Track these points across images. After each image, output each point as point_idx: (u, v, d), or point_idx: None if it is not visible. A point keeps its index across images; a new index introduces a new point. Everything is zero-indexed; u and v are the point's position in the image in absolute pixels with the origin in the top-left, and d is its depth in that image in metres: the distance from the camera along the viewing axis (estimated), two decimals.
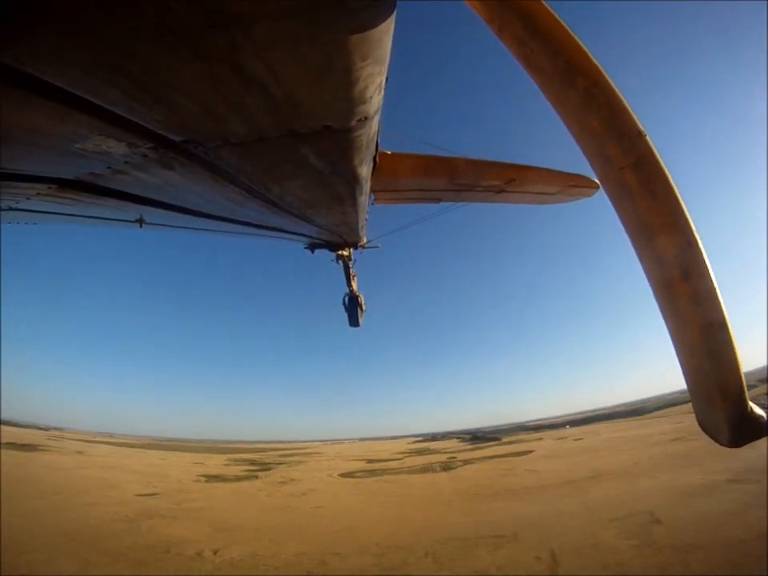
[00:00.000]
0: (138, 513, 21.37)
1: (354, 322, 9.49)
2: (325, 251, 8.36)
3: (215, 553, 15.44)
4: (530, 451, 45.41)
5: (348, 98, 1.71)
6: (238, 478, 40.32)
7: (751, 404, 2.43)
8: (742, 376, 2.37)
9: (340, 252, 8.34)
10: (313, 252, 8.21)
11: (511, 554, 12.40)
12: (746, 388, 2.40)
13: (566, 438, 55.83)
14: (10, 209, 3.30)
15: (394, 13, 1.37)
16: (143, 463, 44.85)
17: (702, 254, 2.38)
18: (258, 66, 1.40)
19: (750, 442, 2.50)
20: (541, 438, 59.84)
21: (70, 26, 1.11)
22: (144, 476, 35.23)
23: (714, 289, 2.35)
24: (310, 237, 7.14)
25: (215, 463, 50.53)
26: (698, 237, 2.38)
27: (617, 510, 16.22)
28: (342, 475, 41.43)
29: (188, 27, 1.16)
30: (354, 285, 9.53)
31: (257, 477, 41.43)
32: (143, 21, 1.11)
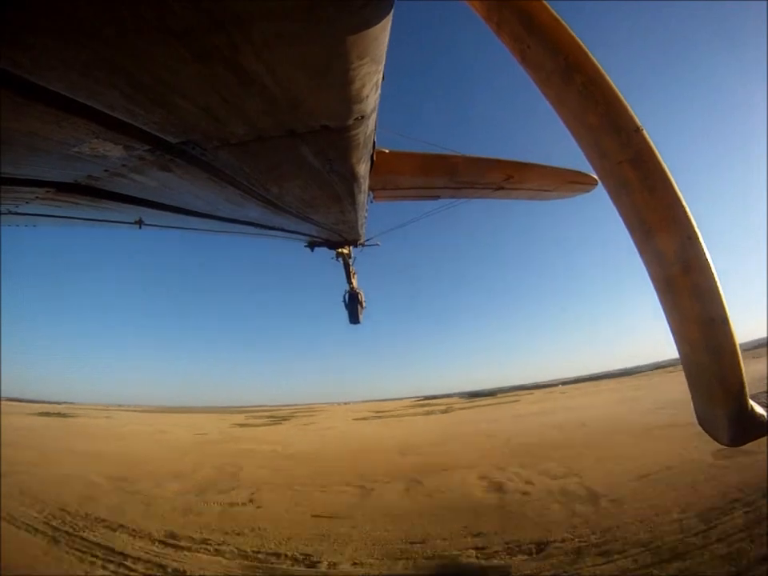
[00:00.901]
0: (204, 442, 29.13)
1: (354, 319, 9.55)
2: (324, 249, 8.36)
3: (283, 448, 23.55)
4: (518, 401, 59.35)
5: (345, 97, 1.69)
6: (266, 424, 50.50)
7: (751, 402, 2.40)
8: (743, 375, 2.35)
9: (340, 250, 8.34)
10: (312, 250, 8.20)
11: (484, 441, 22.80)
12: (746, 387, 2.38)
13: (554, 392, 71.43)
14: (9, 212, 3.29)
15: (392, 11, 1.37)
16: (174, 421, 54.44)
17: (702, 248, 2.36)
18: (256, 65, 1.39)
19: (750, 440, 2.47)
20: (532, 393, 76.13)
21: (66, 28, 1.10)
22: (184, 427, 44.34)
23: (716, 284, 2.32)
24: (310, 235, 7.13)
25: (237, 419, 61.31)
26: (698, 231, 2.36)
27: (560, 422, 26.22)
28: (355, 419, 52.97)
29: (186, 27, 1.15)
30: (355, 282, 9.54)
31: (281, 423, 51.73)
32: (141, 21, 1.11)
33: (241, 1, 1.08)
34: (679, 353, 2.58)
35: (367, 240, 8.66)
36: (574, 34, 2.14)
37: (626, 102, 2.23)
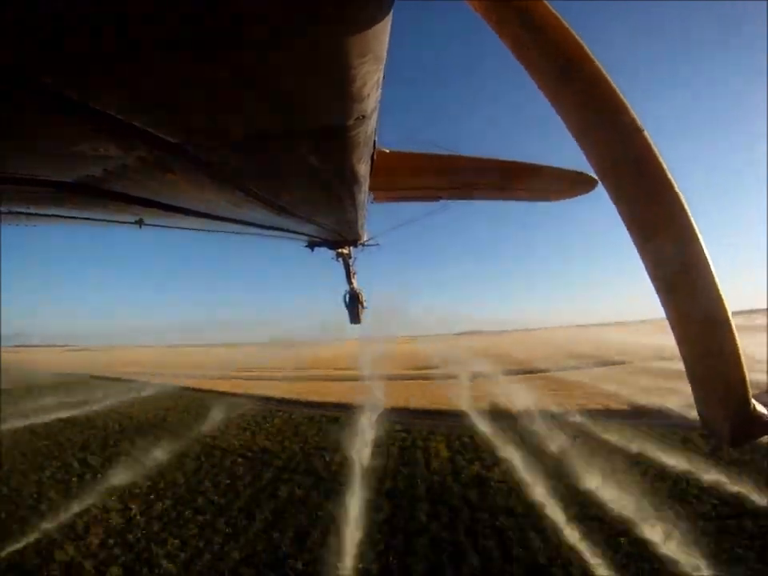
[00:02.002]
0: (244, 355, 48.56)
1: (354, 319, 9.59)
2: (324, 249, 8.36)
3: (310, 355, 73.25)
4: (511, 336, 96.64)
5: (346, 96, 1.69)
6: (287, 347, 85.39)
7: (754, 402, 2.40)
8: (746, 375, 2.35)
9: (340, 250, 8.34)
10: (312, 250, 8.21)
11: (469, 347, 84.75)
12: (749, 387, 2.38)
13: (546, 331, 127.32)
14: (10, 212, 3.28)
15: (392, 9, 1.36)
16: (200, 351, 79.98)
17: (702, 249, 2.36)
18: (256, 65, 1.39)
19: (752, 440, 2.48)
20: (526, 332, 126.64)
21: (64, 26, 1.10)
22: (217, 354, 66.77)
23: (716, 284, 2.33)
24: (310, 236, 7.12)
25: (246, 349, 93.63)
26: (698, 232, 2.36)
27: (530, 341, 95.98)
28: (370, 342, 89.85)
29: (185, 26, 1.15)
30: (355, 282, 9.56)
31: (297, 348, 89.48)
32: (140, 20, 1.11)
33: (240, 0, 1.08)
34: (681, 353, 2.58)
35: (367, 239, 8.66)
36: (574, 33, 2.14)
37: (626, 103, 2.23)
